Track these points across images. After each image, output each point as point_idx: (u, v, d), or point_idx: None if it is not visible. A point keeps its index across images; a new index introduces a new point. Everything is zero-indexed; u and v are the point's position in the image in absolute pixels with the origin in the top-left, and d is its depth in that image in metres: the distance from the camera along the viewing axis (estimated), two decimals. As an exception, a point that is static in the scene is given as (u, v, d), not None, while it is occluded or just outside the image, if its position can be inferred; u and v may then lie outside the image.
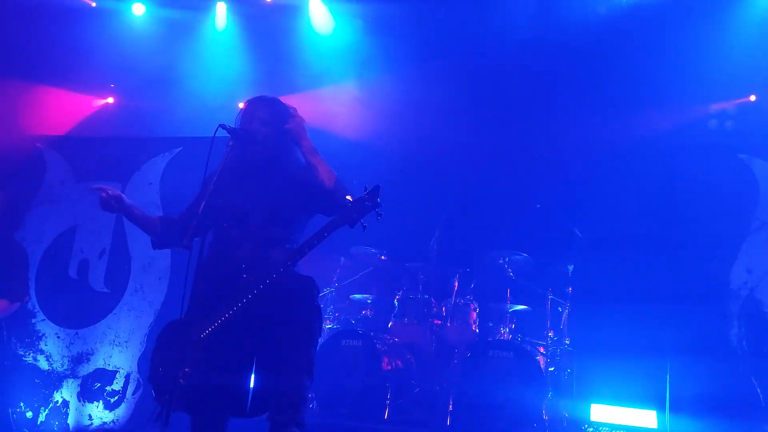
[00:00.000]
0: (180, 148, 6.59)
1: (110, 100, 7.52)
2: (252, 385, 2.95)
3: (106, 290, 6.33)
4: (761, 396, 5.56)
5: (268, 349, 2.97)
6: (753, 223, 5.54)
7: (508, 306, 5.87)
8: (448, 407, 5.37)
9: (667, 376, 5.63)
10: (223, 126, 3.34)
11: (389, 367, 5.53)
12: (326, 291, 6.23)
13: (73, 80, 7.07)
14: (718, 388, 5.58)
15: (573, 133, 6.57)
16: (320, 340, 5.47)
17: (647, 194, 6.21)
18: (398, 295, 5.98)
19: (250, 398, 2.94)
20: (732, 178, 5.65)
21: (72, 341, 6.24)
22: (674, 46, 6.00)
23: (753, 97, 6.05)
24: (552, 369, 5.64)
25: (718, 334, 5.79)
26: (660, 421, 5.63)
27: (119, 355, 6.10)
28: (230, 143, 3.30)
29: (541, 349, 5.72)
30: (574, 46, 6.28)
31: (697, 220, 5.80)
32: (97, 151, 6.76)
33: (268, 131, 3.27)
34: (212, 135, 3.10)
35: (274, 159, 3.26)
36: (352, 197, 3.02)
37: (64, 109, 7.19)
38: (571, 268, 5.78)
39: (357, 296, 6.23)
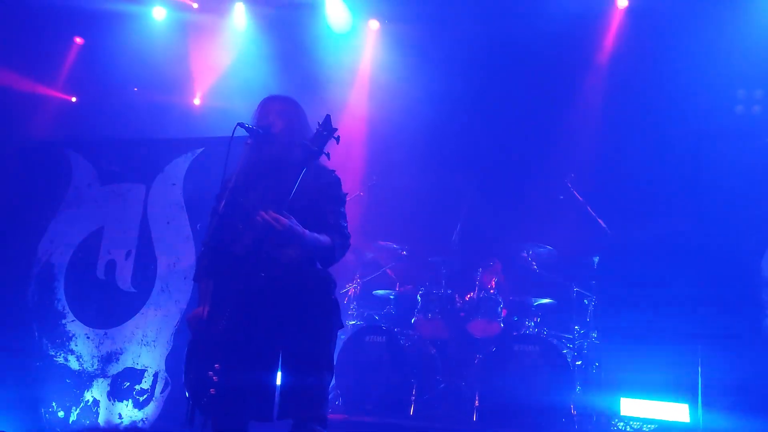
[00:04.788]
0: (202, 149, 6.63)
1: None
2: (275, 385, 2.92)
3: (133, 290, 6.41)
4: (797, 389, 5.40)
5: (288, 348, 2.96)
6: (787, 211, 5.39)
7: (533, 299, 5.80)
8: (474, 403, 5.33)
9: (699, 369, 5.50)
10: (241, 125, 3.35)
11: (413, 363, 5.51)
12: (349, 287, 6.23)
13: (94, 83, 7.16)
14: (752, 379, 5.44)
15: (597, 124, 6.46)
16: (343, 337, 5.53)
17: (674, 183, 6.08)
18: (421, 290, 5.94)
19: (275, 400, 2.90)
20: (761, 164, 5.49)
21: (101, 341, 6.33)
22: (701, 31, 5.86)
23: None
24: (579, 363, 5.55)
25: (751, 324, 5.64)
26: (692, 415, 5.51)
27: (147, 354, 6.17)
28: (248, 141, 3.29)
29: (568, 343, 5.64)
30: (600, 33, 6.18)
31: (727, 209, 5.66)
32: (120, 153, 6.85)
33: (283, 123, 3.23)
34: (231, 134, 3.10)
35: (289, 155, 3.21)
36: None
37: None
38: (596, 260, 5.68)
39: (380, 292, 6.22)
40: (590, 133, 6.44)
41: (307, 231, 2.94)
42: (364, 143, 6.68)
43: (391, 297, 6.17)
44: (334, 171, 3.25)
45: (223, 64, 7.21)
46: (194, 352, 2.99)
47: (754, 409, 5.16)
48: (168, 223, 6.50)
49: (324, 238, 3.02)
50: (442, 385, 5.57)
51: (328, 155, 2.95)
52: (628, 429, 5.43)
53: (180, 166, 6.64)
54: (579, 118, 6.44)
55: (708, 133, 5.85)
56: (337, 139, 2.97)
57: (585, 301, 5.79)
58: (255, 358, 2.90)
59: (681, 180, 5.95)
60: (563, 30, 6.11)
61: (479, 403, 5.28)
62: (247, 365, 2.88)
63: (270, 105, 3.31)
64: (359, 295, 6.23)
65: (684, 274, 5.81)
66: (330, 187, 3.19)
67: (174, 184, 6.61)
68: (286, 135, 3.18)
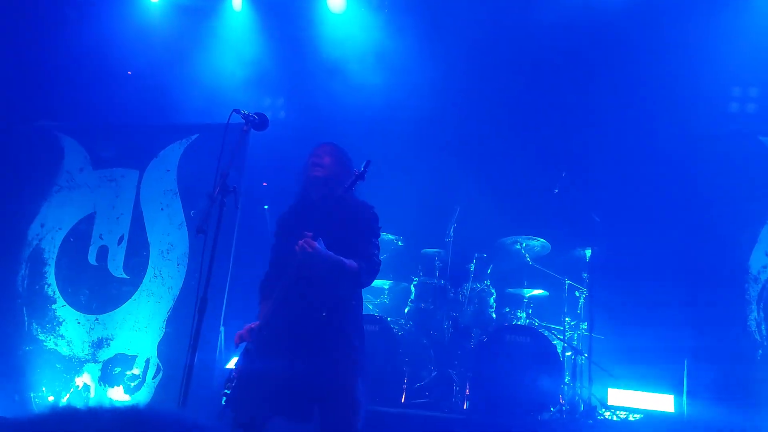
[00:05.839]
0: (197, 135, 6.60)
1: None
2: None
3: (125, 276, 6.39)
4: (780, 381, 5.51)
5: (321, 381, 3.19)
6: (774, 206, 5.47)
7: (525, 291, 5.86)
8: (465, 391, 5.40)
9: (685, 361, 5.60)
10: (237, 111, 3.40)
11: (406, 352, 5.56)
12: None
13: (90, 68, 7.09)
14: (736, 373, 5.54)
15: (592, 119, 6.52)
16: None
17: (667, 179, 6.16)
18: (415, 281, 5.99)
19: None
20: (752, 161, 5.57)
21: (92, 327, 6.32)
22: (696, 29, 5.92)
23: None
24: (569, 354, 5.63)
25: (737, 319, 5.74)
26: (677, 405, 5.62)
27: (139, 340, 6.17)
28: (245, 128, 3.42)
29: (559, 335, 5.71)
30: (595, 32, 6.22)
31: (718, 204, 5.73)
32: (113, 138, 6.79)
33: (329, 166, 3.45)
34: (227, 121, 3.13)
35: (331, 195, 3.44)
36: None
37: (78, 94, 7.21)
38: (588, 253, 5.75)
39: (374, 282, 6.24)
40: (586, 129, 6.49)
41: (333, 254, 3.17)
42: (360, 130, 6.68)
43: (386, 287, 6.21)
44: (373, 207, 3.48)
45: (219, 47, 7.15)
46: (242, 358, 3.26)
47: (737, 400, 5.26)
48: (161, 209, 6.48)
49: (350, 261, 3.24)
50: (434, 374, 5.63)
51: (353, 192, 3.30)
52: (614, 418, 5.53)
53: (174, 152, 6.60)
54: (575, 114, 6.49)
55: (701, 131, 5.92)
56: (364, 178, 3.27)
57: (576, 293, 5.86)
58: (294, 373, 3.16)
59: (674, 177, 6.03)
60: (562, 26, 6.15)
61: (470, 391, 5.35)
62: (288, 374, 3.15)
63: (324, 149, 3.53)
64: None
65: (674, 270, 5.89)
66: (366, 222, 3.42)
67: (168, 170, 6.58)
68: (331, 178, 3.44)
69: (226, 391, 3.17)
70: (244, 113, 3.49)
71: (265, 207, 6.85)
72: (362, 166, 3.25)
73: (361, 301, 3.50)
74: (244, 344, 3.30)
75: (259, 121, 3.54)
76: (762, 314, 5.62)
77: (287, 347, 3.17)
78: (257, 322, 3.31)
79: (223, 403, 3.16)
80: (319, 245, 3.10)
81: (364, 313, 5.84)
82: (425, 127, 6.89)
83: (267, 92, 7.34)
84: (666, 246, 6.03)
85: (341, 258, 3.21)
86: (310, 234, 3.10)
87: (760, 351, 5.64)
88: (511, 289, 5.97)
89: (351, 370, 3.24)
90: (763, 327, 5.64)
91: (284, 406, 3.15)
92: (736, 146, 5.72)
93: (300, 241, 3.08)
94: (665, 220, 6.04)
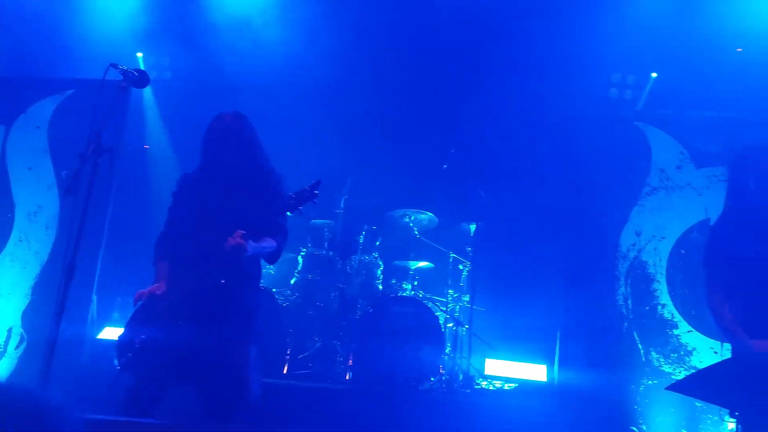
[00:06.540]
0: (71, 91, 6.15)
1: None
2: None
3: (-14, 240, 5.89)
4: (642, 351, 5.94)
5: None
6: (644, 189, 5.82)
7: (412, 263, 5.94)
8: (348, 362, 5.42)
9: (558, 333, 5.90)
10: (114, 66, 3.22)
11: (290, 323, 5.50)
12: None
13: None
14: (604, 344, 5.91)
15: (480, 98, 6.64)
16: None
17: (549, 160, 6.40)
18: (303, 252, 5.92)
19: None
20: (628, 145, 5.89)
21: (-53, 293, 5.79)
22: (578, 17, 6.11)
23: (654, 74, 6.29)
24: (451, 325, 5.78)
25: (607, 293, 6.10)
26: (549, 375, 5.93)
27: (1, 308, 5.72)
28: (122, 84, 3.25)
29: (442, 306, 5.84)
30: (485, 15, 6.30)
31: (595, 185, 6.03)
32: (-24, 90, 6.20)
33: (243, 145, 3.40)
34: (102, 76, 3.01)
35: (254, 179, 3.42)
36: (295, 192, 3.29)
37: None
38: (473, 227, 5.89)
39: (260, 252, 6.11)
40: (475, 107, 6.61)
41: (257, 246, 3.20)
42: (254, 93, 6.45)
43: (271, 257, 6.09)
44: (280, 176, 3.48)
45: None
46: (139, 322, 3.20)
47: (604, 368, 5.62)
48: (29, 168, 6.01)
49: (269, 243, 3.30)
50: (318, 345, 5.61)
51: (302, 213, 3.29)
52: (491, 387, 5.76)
53: (46, 108, 6.12)
54: (465, 92, 6.59)
55: (582, 114, 6.17)
56: (315, 203, 3.30)
57: (460, 266, 6.01)
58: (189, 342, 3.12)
59: (555, 158, 6.27)
60: (456, 7, 6.18)
61: (353, 362, 5.38)
62: (184, 344, 3.11)
63: (229, 117, 3.43)
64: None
65: (552, 247, 6.17)
66: (277, 192, 3.38)
67: (38, 127, 6.10)
68: (241, 147, 3.38)
69: (123, 355, 3.10)
70: (123, 68, 3.29)
71: (146, 147, 6.52)
72: (312, 184, 3.27)
73: (260, 269, 3.48)
74: (135, 309, 3.25)
75: (139, 78, 3.34)
76: (629, 289, 6.01)
77: (186, 314, 3.15)
78: (158, 285, 3.26)
79: (118, 367, 3.11)
80: (248, 244, 3.11)
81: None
82: (321, 96, 6.77)
83: (155, 50, 6.91)
84: (545, 224, 6.30)
85: (263, 246, 3.27)
86: (242, 233, 3.09)
87: (626, 323, 6.04)
88: (398, 262, 6.03)
89: (247, 340, 3.24)
90: (629, 301, 6.03)
91: (182, 372, 3.12)
92: (614, 130, 6.02)
93: (230, 240, 3.09)
94: (546, 198, 6.29)
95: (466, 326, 5.74)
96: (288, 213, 3.34)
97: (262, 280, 5.85)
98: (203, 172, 3.45)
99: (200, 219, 3.32)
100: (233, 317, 3.22)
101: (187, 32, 6.63)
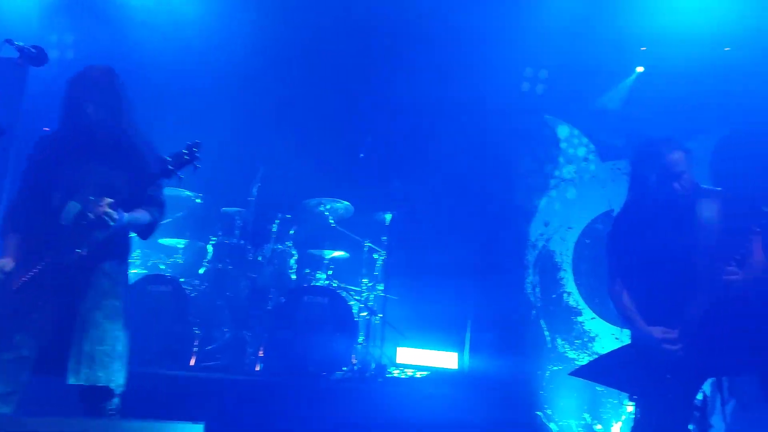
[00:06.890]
0: (-40, 65, 5.70)
1: None
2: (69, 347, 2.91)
3: None
4: (548, 338, 6.15)
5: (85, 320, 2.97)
6: (552, 180, 6.01)
7: (326, 252, 5.88)
8: (258, 353, 5.32)
9: (469, 321, 6.02)
10: (9, 42, 3.00)
11: (198, 314, 5.34)
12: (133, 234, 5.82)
13: None
14: (513, 331, 6.08)
15: (396, 87, 6.65)
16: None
17: (463, 151, 6.49)
18: (213, 240, 5.74)
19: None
20: (538, 138, 6.05)
21: None
22: (494, 11, 6.21)
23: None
24: (365, 314, 5.78)
25: (516, 282, 6.28)
26: (460, 362, 6.05)
27: None
28: (18, 61, 2.97)
29: (356, 296, 5.83)
30: (402, 6, 6.30)
31: (506, 176, 6.17)
32: None
33: (111, 103, 3.10)
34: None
35: (120, 142, 3.13)
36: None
37: None
38: (388, 217, 5.90)
39: (167, 240, 5.89)
40: (390, 97, 6.62)
41: (130, 217, 2.97)
42: (163, 75, 6.20)
43: (180, 246, 5.88)
44: (156, 148, 3.17)
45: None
46: None
47: (512, 354, 5.80)
48: None
49: (144, 216, 3.06)
50: (227, 336, 5.47)
51: (181, 179, 2.98)
52: (403, 376, 5.81)
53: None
54: (381, 81, 6.59)
55: (495, 107, 6.28)
56: (197, 167, 2.98)
57: (375, 255, 6.01)
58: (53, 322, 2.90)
59: (469, 150, 6.36)
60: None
61: (264, 353, 5.28)
62: (45, 326, 2.89)
63: (94, 77, 3.12)
64: (143, 243, 5.84)
65: (464, 237, 6.27)
66: (153, 161, 3.09)
67: None
68: (115, 120, 3.08)
69: None
70: (19, 45, 3.03)
71: (45, 129, 6.14)
72: (189, 145, 2.95)
73: (130, 245, 3.21)
74: None
75: (37, 55, 3.09)
76: (537, 277, 6.20)
77: (47, 285, 2.88)
78: (5, 261, 2.95)
79: None
80: (119, 216, 2.87)
81: (154, 273, 5.56)
82: (234, 80, 6.59)
83: (58, 27, 6.52)
84: (459, 214, 6.40)
85: (136, 217, 3.03)
86: (109, 201, 2.85)
87: (534, 311, 6.24)
88: (312, 251, 5.96)
89: (113, 319, 2.98)
90: (537, 289, 6.23)
91: (42, 350, 2.87)
92: (525, 123, 6.19)
93: (100, 210, 2.84)
94: (459, 189, 6.38)
95: (380, 315, 5.75)
96: (165, 179, 3.02)
97: (169, 270, 5.71)
98: (65, 131, 3.11)
99: (59, 186, 3.00)
100: (96, 291, 2.96)
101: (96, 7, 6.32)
